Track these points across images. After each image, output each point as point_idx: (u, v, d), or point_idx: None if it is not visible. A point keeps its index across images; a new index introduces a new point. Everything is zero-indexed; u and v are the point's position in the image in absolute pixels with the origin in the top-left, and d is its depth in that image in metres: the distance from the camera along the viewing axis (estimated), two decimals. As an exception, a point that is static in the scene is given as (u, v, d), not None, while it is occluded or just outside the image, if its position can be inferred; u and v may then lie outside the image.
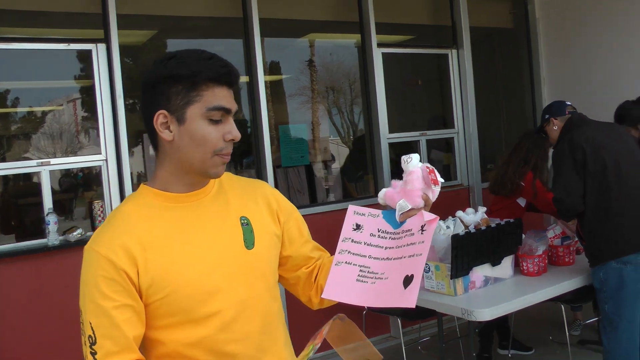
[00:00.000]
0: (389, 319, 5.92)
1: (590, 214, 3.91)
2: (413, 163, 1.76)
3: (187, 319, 1.66)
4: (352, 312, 4.79)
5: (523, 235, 4.33)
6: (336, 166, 7.31)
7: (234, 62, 1.71)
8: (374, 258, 1.78)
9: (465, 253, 3.89)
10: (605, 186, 3.87)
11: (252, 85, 5.39)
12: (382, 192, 1.83)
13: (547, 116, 4.30)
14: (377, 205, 1.86)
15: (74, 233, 4.50)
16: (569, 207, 3.93)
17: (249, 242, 1.77)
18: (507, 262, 4.23)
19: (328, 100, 7.42)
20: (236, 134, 1.69)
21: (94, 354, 1.59)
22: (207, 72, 1.63)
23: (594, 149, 3.89)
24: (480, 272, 4.05)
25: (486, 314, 3.65)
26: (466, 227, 4.15)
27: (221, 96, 1.66)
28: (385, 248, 1.78)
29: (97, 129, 4.74)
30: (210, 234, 1.72)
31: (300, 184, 6.14)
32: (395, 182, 1.82)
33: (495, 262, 4.13)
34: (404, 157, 1.78)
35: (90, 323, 1.59)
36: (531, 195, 4.90)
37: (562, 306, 4.70)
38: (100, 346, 1.58)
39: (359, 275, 1.77)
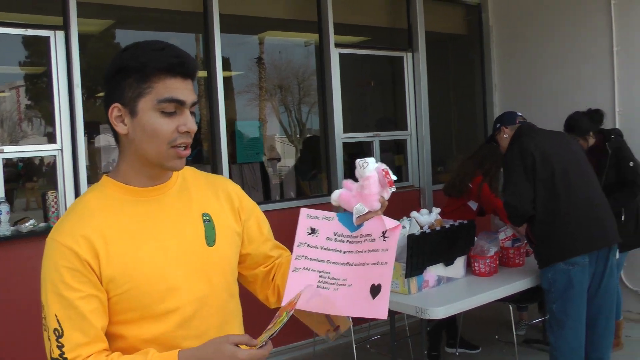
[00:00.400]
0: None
1: (539, 219, 4.04)
2: (369, 168, 1.74)
3: (146, 315, 1.65)
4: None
5: (475, 237, 4.43)
6: (281, 164, 7.34)
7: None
8: (333, 263, 1.76)
9: (420, 253, 3.97)
10: (553, 192, 4.00)
11: (210, 81, 5.37)
12: (336, 194, 1.81)
13: (498, 125, 4.43)
14: (330, 204, 1.84)
15: (26, 224, 4.41)
16: (520, 212, 4.05)
17: (210, 239, 1.76)
18: (460, 262, 4.32)
19: (276, 98, 7.44)
20: (191, 126, 1.66)
21: (60, 347, 1.56)
22: (157, 63, 1.61)
23: (543, 156, 4.02)
24: (434, 272, 4.14)
25: (440, 312, 3.73)
26: (421, 227, 4.23)
27: (174, 88, 1.63)
28: (344, 252, 1.76)
29: (53, 118, 4.64)
30: (172, 230, 1.71)
31: (255, 180, 6.15)
32: (350, 184, 1.80)
33: (449, 262, 4.22)
34: (359, 162, 1.76)
35: (56, 315, 1.56)
36: (475, 196, 5.04)
37: (510, 306, 4.82)
38: (68, 338, 1.56)
39: (319, 282, 1.74)
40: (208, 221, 1.78)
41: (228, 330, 1.79)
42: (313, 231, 1.79)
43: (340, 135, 6.09)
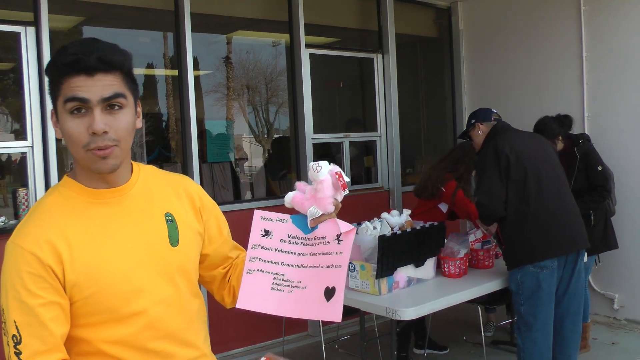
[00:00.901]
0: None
1: (510, 220, 4.08)
2: (322, 172, 1.75)
3: (111, 318, 1.63)
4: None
5: (445, 239, 4.47)
6: (249, 164, 7.34)
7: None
8: (287, 265, 1.76)
9: (391, 254, 3.98)
10: (525, 194, 4.04)
11: (181, 80, 5.34)
12: (289, 197, 1.81)
13: (473, 121, 4.44)
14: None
15: (-3, 221, 4.37)
16: (491, 212, 4.10)
17: (174, 240, 1.75)
18: (430, 263, 4.35)
19: (244, 98, 7.44)
20: (94, 127, 1.55)
21: (18, 354, 1.53)
22: (58, 63, 1.57)
23: (517, 157, 4.06)
24: (404, 273, 4.16)
25: (411, 313, 3.75)
26: (391, 228, 4.25)
27: (76, 86, 1.55)
28: (298, 254, 1.77)
29: (23, 114, 4.58)
30: (135, 231, 1.69)
31: (225, 180, 6.14)
32: (302, 186, 1.81)
33: (419, 263, 4.24)
34: (312, 165, 1.76)
35: (15, 322, 1.53)
36: (450, 203, 5.08)
37: (479, 307, 4.87)
38: (26, 346, 1.53)
39: (273, 284, 1.75)
40: (171, 221, 1.76)
41: (194, 329, 1.80)
42: (267, 233, 1.79)
43: (311, 136, 6.10)
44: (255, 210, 1.82)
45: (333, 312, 1.68)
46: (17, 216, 4.54)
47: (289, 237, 1.78)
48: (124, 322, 1.64)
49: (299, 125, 6.11)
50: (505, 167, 4.04)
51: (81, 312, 1.61)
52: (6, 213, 4.61)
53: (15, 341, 1.53)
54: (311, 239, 1.76)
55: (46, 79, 1.64)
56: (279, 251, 1.77)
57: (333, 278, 1.70)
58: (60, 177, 4.58)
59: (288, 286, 1.75)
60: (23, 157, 4.62)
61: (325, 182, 1.74)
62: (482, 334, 4.98)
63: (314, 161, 1.77)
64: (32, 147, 4.58)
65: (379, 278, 3.97)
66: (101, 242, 1.63)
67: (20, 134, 4.68)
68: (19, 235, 1.60)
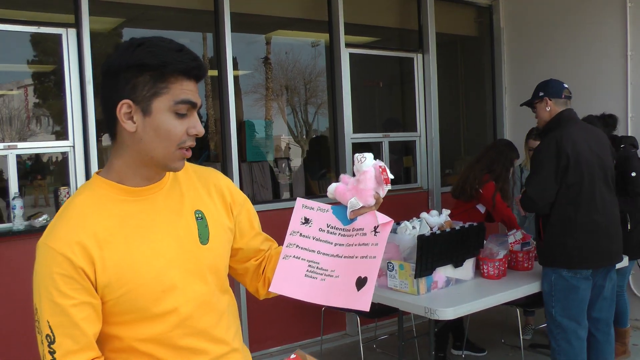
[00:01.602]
0: (346, 316, 6.01)
1: (555, 221, 4.03)
2: (367, 163, 1.77)
3: (143, 317, 1.66)
4: (309, 308, 4.87)
5: (485, 240, 4.46)
6: (286, 164, 7.37)
7: (199, 56, 1.72)
8: (323, 254, 1.79)
9: (430, 253, 3.99)
10: (577, 201, 3.97)
11: (221, 80, 5.40)
12: (333, 187, 1.83)
13: (541, 94, 4.23)
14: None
15: (40, 219, 4.47)
16: (536, 209, 4.06)
17: (204, 237, 1.76)
18: (469, 264, 4.35)
19: (282, 98, 7.47)
20: (200, 129, 1.66)
21: (52, 352, 1.57)
22: (177, 64, 1.60)
23: (577, 159, 3.95)
24: (443, 273, 4.16)
25: (449, 314, 3.76)
26: (430, 228, 4.26)
27: (189, 90, 1.63)
28: (335, 244, 1.79)
29: (65, 114, 4.69)
30: (166, 230, 1.71)
31: (264, 179, 6.19)
32: (346, 178, 1.83)
33: (458, 263, 4.24)
34: (357, 156, 1.78)
35: (48, 322, 1.57)
36: (490, 206, 5.06)
37: (518, 310, 4.84)
38: (60, 345, 1.57)
39: (307, 271, 1.78)
40: (201, 219, 1.78)
41: (224, 325, 1.82)
42: (307, 221, 1.82)
43: (350, 135, 6.12)
44: (298, 198, 1.86)
45: (362, 302, 1.70)
46: (60, 215, 4.64)
47: (328, 226, 1.81)
48: (156, 321, 1.67)
49: (338, 124, 6.13)
50: (563, 168, 3.95)
51: (113, 311, 1.64)
52: (48, 212, 4.72)
53: (49, 340, 1.57)
54: (349, 230, 1.79)
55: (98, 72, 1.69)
56: (317, 240, 1.81)
57: (366, 268, 1.72)
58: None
59: (321, 274, 1.78)
60: (64, 157, 4.72)
61: (368, 173, 1.76)
62: (521, 336, 4.96)
63: (357, 154, 1.78)
64: (73, 146, 4.69)
65: (417, 278, 3.98)
66: (132, 242, 1.65)
67: (61, 135, 4.79)
68: (50, 236, 1.61)
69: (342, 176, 1.85)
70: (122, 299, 1.62)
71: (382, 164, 1.78)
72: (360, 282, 1.72)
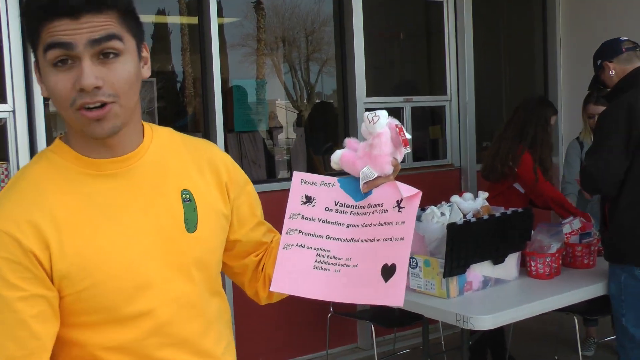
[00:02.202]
0: (357, 325, 6.01)
1: (625, 205, 3.95)
2: (380, 122, 1.73)
3: (110, 319, 1.63)
4: (312, 315, 4.86)
5: (533, 230, 4.43)
6: (283, 136, 7.36)
7: None
8: (334, 239, 1.77)
9: (463, 247, 3.96)
10: None
11: (202, 29, 5.36)
12: (337, 155, 1.81)
13: (599, 62, 4.22)
14: None
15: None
16: (598, 187, 4.01)
17: (191, 224, 1.73)
18: (512, 260, 4.32)
19: (278, 53, 7.43)
20: (83, 82, 1.52)
21: None
22: (33, 6, 1.55)
23: None
24: (479, 271, 4.14)
25: (487, 322, 3.74)
26: (464, 215, 4.23)
27: (58, 30, 1.53)
28: (347, 225, 1.77)
29: (2, 72, 4.66)
30: (143, 212, 1.68)
31: (257, 153, 6.18)
32: (354, 143, 1.81)
33: (498, 259, 4.22)
34: (367, 115, 1.75)
35: None
36: (531, 182, 5.01)
37: (576, 318, 4.82)
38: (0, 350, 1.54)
39: (316, 262, 1.76)
40: (188, 200, 1.75)
41: (213, 335, 1.80)
42: (309, 200, 1.80)
43: (363, 100, 6.10)
44: (295, 172, 1.82)
45: (393, 295, 1.68)
46: (-7, 194, 4.61)
47: (336, 204, 1.78)
48: (126, 325, 1.64)
49: (348, 86, 6.11)
50: (636, 139, 3.86)
51: (73, 309, 1.61)
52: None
53: None
54: (364, 207, 1.77)
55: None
56: (324, 222, 1.77)
57: (393, 253, 1.70)
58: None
59: (335, 264, 1.75)
60: (1, 124, 4.67)
61: (383, 135, 1.73)
62: (580, 352, 4.92)
63: (369, 113, 1.74)
64: (13, 111, 4.62)
65: (447, 277, 3.95)
66: (99, 225, 1.62)
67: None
68: None
69: (347, 140, 1.81)
70: (84, 294, 1.59)
71: (397, 122, 1.75)
72: (388, 271, 1.69)
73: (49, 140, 4.73)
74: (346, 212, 1.78)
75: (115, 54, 1.57)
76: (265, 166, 6.30)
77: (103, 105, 1.56)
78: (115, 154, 1.68)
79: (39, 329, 1.56)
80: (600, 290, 4.25)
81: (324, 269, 1.75)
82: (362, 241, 1.75)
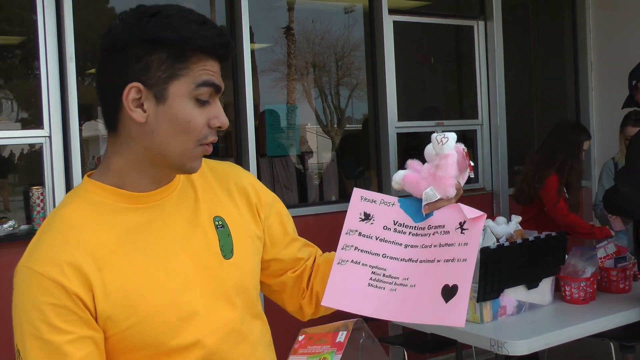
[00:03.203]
0: (389, 350, 5.97)
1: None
2: (449, 144, 1.73)
3: (157, 353, 1.63)
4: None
5: (567, 254, 4.40)
6: (313, 161, 7.35)
7: None
8: (391, 258, 1.76)
9: (496, 271, 3.96)
10: None
11: (235, 54, 5.39)
12: (400, 175, 1.81)
13: (634, 82, 4.25)
14: None
15: (4, 225, 4.46)
16: (628, 212, 3.98)
17: (227, 250, 1.74)
18: (546, 285, 4.30)
19: (308, 78, 7.43)
20: (224, 120, 1.64)
21: None
22: (200, 40, 1.58)
23: None
24: (513, 296, 4.13)
25: (521, 347, 3.72)
26: (497, 239, 4.22)
27: (212, 71, 1.62)
28: (405, 246, 1.77)
29: (40, 98, 4.70)
30: (179, 243, 1.69)
31: (289, 178, 6.19)
32: (416, 165, 1.81)
33: (532, 284, 4.20)
34: (436, 137, 1.75)
35: None
36: (551, 203, 4.97)
37: (612, 344, 4.76)
38: None
39: (371, 279, 1.75)
40: (221, 227, 1.76)
41: (259, 358, 1.80)
42: (367, 217, 1.79)
43: (394, 124, 6.08)
44: (355, 189, 1.82)
45: (454, 316, 1.65)
46: (30, 220, 4.64)
47: (395, 224, 1.78)
48: (174, 358, 1.64)
49: (379, 111, 6.10)
50: None
51: (119, 348, 1.61)
52: (16, 217, 4.72)
53: None
54: (423, 229, 1.76)
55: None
56: (381, 240, 1.77)
57: (455, 274, 1.68)
58: (84, 173, 4.70)
59: (391, 283, 1.74)
60: (34, 150, 4.71)
61: (450, 157, 1.73)
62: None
63: (437, 134, 1.75)
64: (49, 136, 4.65)
65: (481, 302, 3.94)
66: (138, 260, 1.62)
67: (28, 123, 4.77)
68: (32, 257, 1.57)
69: (410, 162, 1.82)
70: (129, 332, 1.59)
71: (463, 146, 1.76)
72: (449, 292, 1.67)
73: (84, 165, 4.77)
74: (404, 232, 1.78)
75: None
76: (297, 190, 6.31)
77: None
78: (156, 187, 1.70)
79: None
80: (637, 316, 4.23)
81: (379, 287, 1.74)
82: (420, 262, 1.74)
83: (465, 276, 1.68)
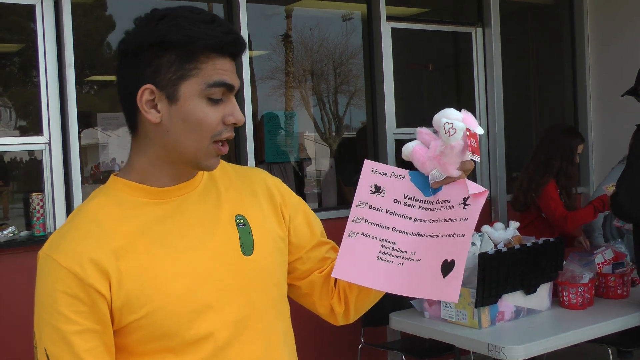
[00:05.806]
0: (387, 356, 5.99)
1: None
2: (456, 137, 1.70)
3: (171, 345, 1.65)
4: (345, 346, 4.83)
5: (565, 260, 4.42)
6: (311, 168, 7.36)
7: None
8: (400, 231, 1.77)
9: (494, 277, 3.97)
10: None
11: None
12: (409, 148, 1.81)
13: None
14: None
15: (4, 232, 4.48)
16: (628, 216, 3.99)
17: (247, 247, 1.76)
18: (544, 290, 4.31)
19: (306, 86, 7.42)
20: (239, 117, 1.68)
21: None
22: (208, 39, 1.62)
23: None
24: (511, 301, 4.14)
25: (519, 353, 3.72)
26: (495, 245, 4.23)
27: (223, 70, 1.65)
28: (415, 220, 1.78)
29: (39, 104, 4.73)
30: (199, 238, 1.71)
31: (288, 184, 6.19)
32: (426, 135, 1.79)
33: (530, 289, 4.21)
34: (445, 125, 1.71)
35: (46, 350, 1.58)
36: (551, 210, 4.98)
37: (609, 350, 4.77)
38: None
39: (380, 252, 1.76)
40: (242, 225, 1.78)
41: (276, 358, 1.80)
42: (378, 190, 1.80)
43: (393, 131, 6.10)
44: (366, 161, 1.83)
45: (449, 291, 1.68)
46: (29, 226, 4.66)
47: (405, 197, 1.79)
48: (187, 350, 1.66)
49: (377, 118, 6.12)
50: None
51: (133, 339, 1.64)
52: (16, 223, 4.74)
53: None
54: (432, 203, 1.77)
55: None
56: (392, 214, 1.79)
57: (454, 249, 1.70)
58: (84, 182, 4.72)
59: (399, 257, 1.75)
60: (34, 157, 4.72)
61: (455, 148, 1.72)
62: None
63: (447, 120, 1.72)
64: (48, 143, 4.69)
65: (479, 307, 3.96)
66: (157, 250, 1.66)
67: (26, 130, 4.78)
68: (54, 247, 1.63)
69: (419, 131, 1.82)
70: (143, 321, 1.62)
71: (471, 129, 1.73)
72: (447, 267, 1.69)
73: (83, 171, 4.78)
74: (414, 206, 1.78)
75: None
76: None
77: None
78: (176, 182, 1.74)
79: None
80: (635, 321, 4.23)
81: (388, 261, 1.75)
82: (427, 236, 1.75)
83: (462, 251, 1.70)
